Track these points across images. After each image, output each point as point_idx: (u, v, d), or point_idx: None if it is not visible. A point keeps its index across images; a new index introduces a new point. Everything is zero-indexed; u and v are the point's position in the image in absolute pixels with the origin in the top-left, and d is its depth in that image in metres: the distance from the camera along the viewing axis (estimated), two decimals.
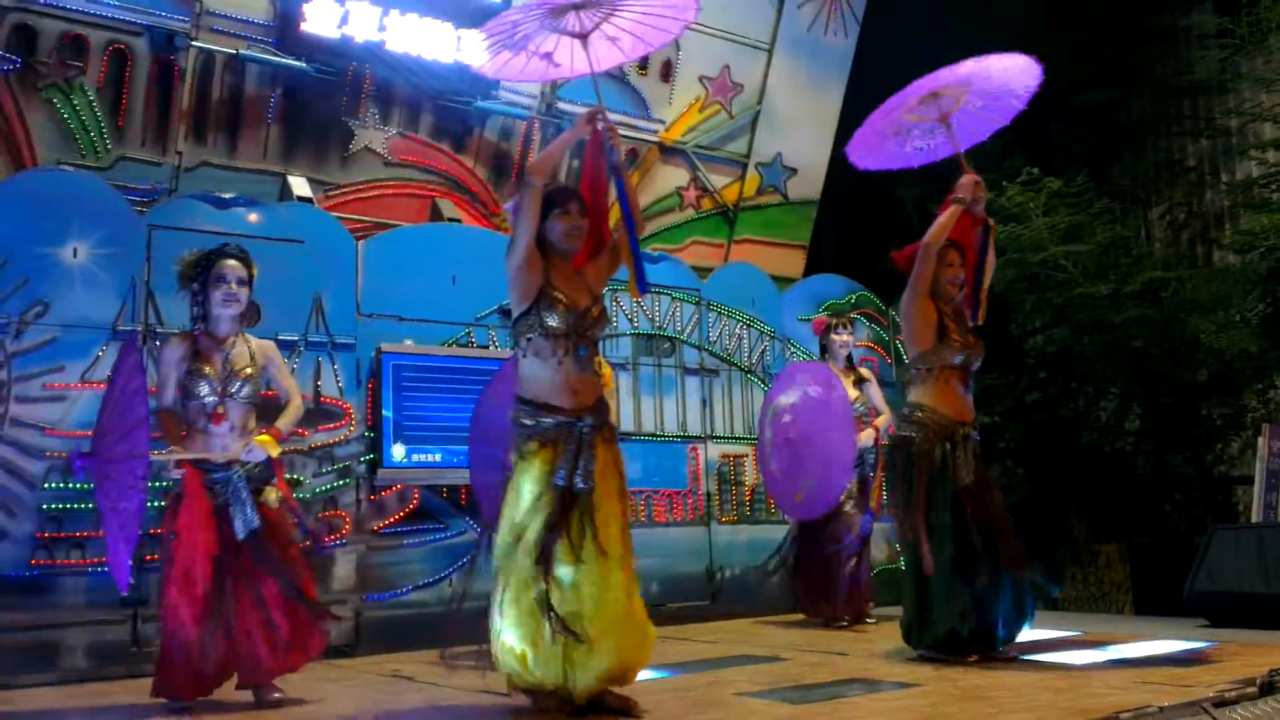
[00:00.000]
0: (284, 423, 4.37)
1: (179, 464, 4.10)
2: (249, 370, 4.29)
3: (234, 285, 4.28)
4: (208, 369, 4.22)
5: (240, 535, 4.10)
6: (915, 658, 4.74)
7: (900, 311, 4.97)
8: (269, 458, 4.23)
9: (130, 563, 3.89)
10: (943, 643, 4.64)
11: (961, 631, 4.59)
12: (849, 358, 6.54)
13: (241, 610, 4.07)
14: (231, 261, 4.30)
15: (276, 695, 4.14)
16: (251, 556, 4.12)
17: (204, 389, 4.19)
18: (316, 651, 4.29)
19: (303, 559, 4.33)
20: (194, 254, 4.34)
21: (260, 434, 4.24)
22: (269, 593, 4.12)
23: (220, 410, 4.20)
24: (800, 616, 6.52)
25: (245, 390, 4.26)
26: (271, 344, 4.51)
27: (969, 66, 4.83)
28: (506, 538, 3.61)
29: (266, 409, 4.44)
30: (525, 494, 3.62)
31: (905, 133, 5.23)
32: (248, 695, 4.15)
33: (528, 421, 3.69)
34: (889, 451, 5.02)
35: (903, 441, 4.79)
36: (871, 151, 5.31)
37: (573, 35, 4.04)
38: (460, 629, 3.87)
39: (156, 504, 4.84)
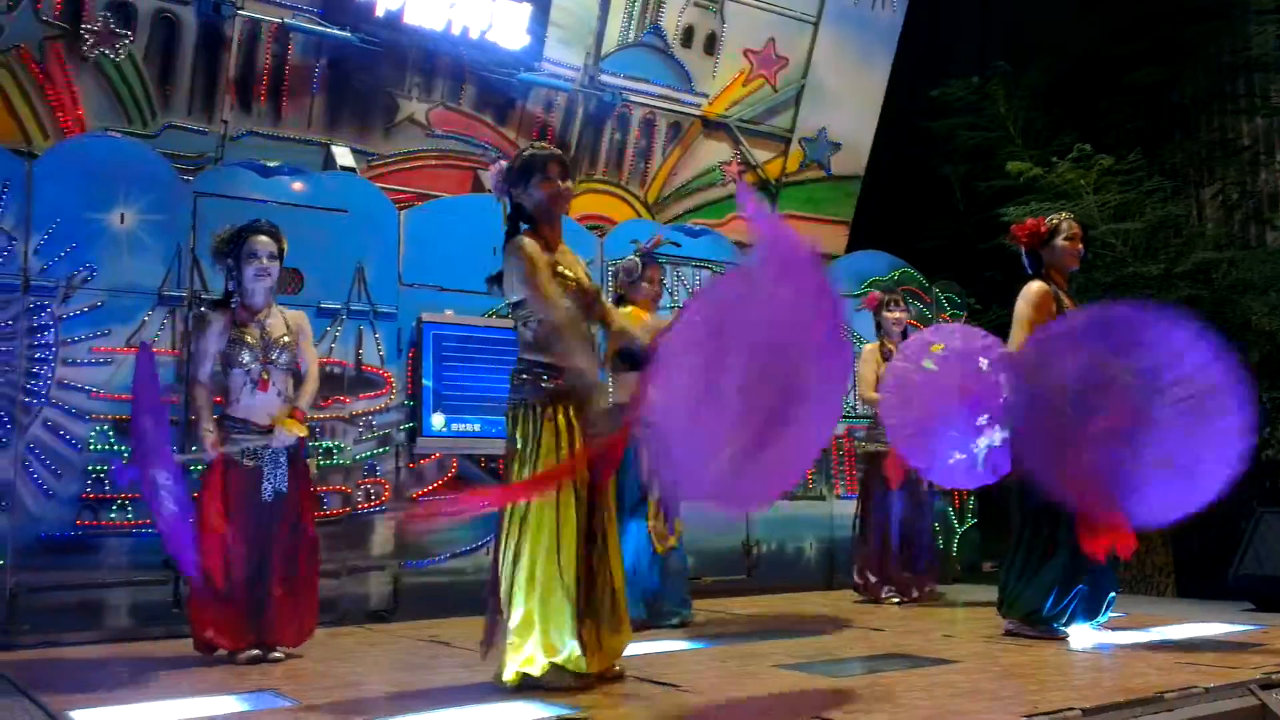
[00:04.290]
0: (305, 401, 4.56)
1: (215, 445, 4.31)
2: (286, 338, 4.51)
3: (265, 260, 4.47)
4: (249, 338, 4.43)
5: (267, 497, 4.32)
6: (1002, 632, 4.74)
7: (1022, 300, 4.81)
8: (298, 439, 4.44)
9: (191, 555, 4.07)
10: (1030, 617, 4.65)
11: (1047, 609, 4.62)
12: (904, 334, 6.41)
13: (256, 572, 4.29)
14: (262, 237, 4.48)
15: (277, 655, 4.31)
16: (274, 521, 4.34)
17: (246, 357, 4.40)
18: (307, 634, 4.42)
19: (315, 533, 4.52)
20: (227, 230, 4.54)
21: (285, 418, 4.41)
22: (279, 561, 4.32)
23: (264, 377, 4.41)
24: (837, 592, 6.50)
25: (284, 358, 4.48)
26: (303, 315, 4.71)
27: None
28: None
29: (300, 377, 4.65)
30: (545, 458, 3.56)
31: None
32: (275, 654, 4.34)
33: (549, 384, 3.63)
34: None
35: None
36: None
37: None
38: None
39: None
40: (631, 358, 4.10)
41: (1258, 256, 7.94)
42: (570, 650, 3.50)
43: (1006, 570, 4.78)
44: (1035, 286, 4.78)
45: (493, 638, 3.63)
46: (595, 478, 3.64)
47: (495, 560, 3.64)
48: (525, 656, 3.50)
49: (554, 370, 3.63)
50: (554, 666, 3.51)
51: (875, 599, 6.24)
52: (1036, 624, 4.64)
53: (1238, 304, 7.56)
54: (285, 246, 4.57)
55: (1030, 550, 4.67)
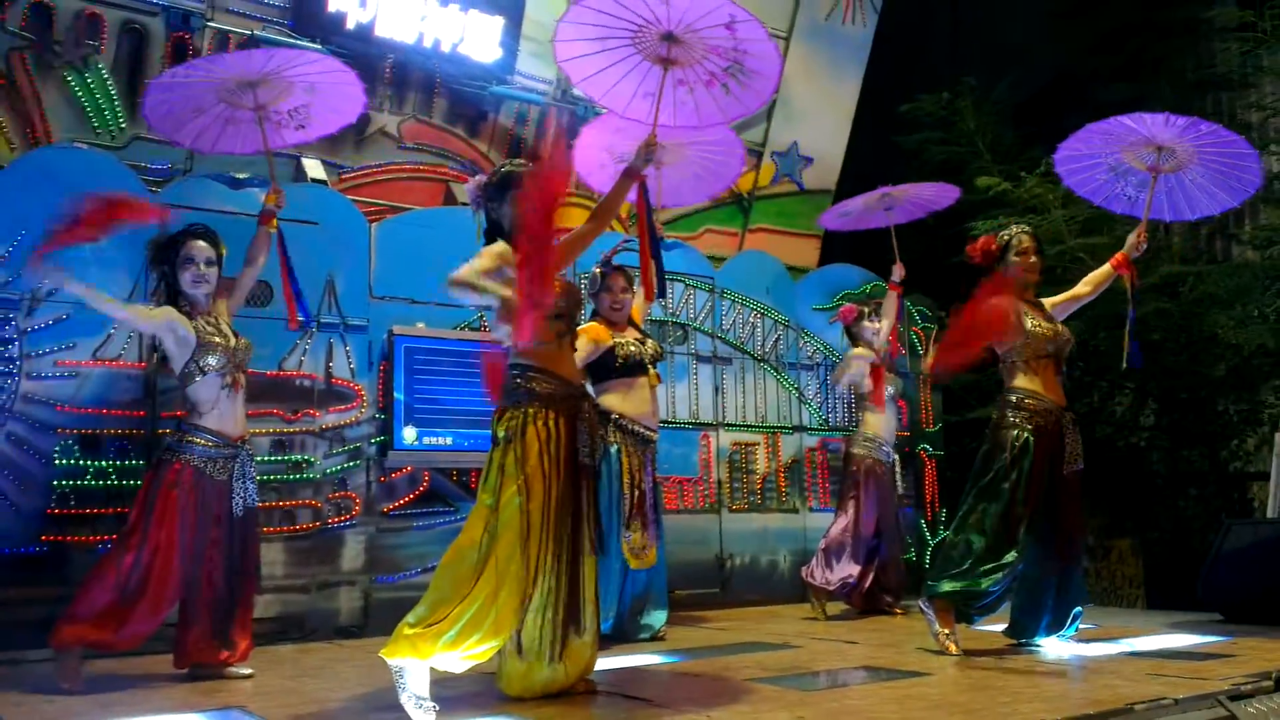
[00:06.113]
0: None
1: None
2: (244, 341, 4.41)
3: (202, 266, 4.33)
4: (217, 339, 4.29)
5: (238, 511, 4.25)
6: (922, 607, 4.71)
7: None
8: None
9: None
10: (955, 603, 4.61)
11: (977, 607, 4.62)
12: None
13: (196, 587, 4.18)
14: (200, 243, 4.36)
15: (246, 671, 4.25)
16: (233, 535, 4.25)
17: (215, 360, 4.25)
18: (243, 655, 4.30)
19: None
20: (162, 236, 4.40)
21: None
22: (225, 577, 4.23)
23: (236, 379, 4.31)
24: (806, 605, 6.48)
25: (247, 359, 4.42)
26: (223, 303, 4.54)
27: (1207, 137, 4.82)
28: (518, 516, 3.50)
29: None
30: (534, 467, 3.53)
31: (1120, 172, 5.18)
32: (243, 671, 4.28)
33: (539, 387, 3.63)
34: (993, 431, 4.80)
35: (1010, 424, 4.72)
36: (1080, 175, 5.27)
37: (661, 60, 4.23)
38: None
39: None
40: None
41: (1224, 270, 8.03)
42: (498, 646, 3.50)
43: (937, 549, 4.80)
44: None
45: None
46: (581, 487, 3.65)
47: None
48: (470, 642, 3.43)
49: (545, 374, 3.64)
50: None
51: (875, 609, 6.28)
52: (956, 606, 4.61)
53: (1204, 317, 7.64)
54: (224, 251, 4.45)
55: (968, 528, 4.62)
